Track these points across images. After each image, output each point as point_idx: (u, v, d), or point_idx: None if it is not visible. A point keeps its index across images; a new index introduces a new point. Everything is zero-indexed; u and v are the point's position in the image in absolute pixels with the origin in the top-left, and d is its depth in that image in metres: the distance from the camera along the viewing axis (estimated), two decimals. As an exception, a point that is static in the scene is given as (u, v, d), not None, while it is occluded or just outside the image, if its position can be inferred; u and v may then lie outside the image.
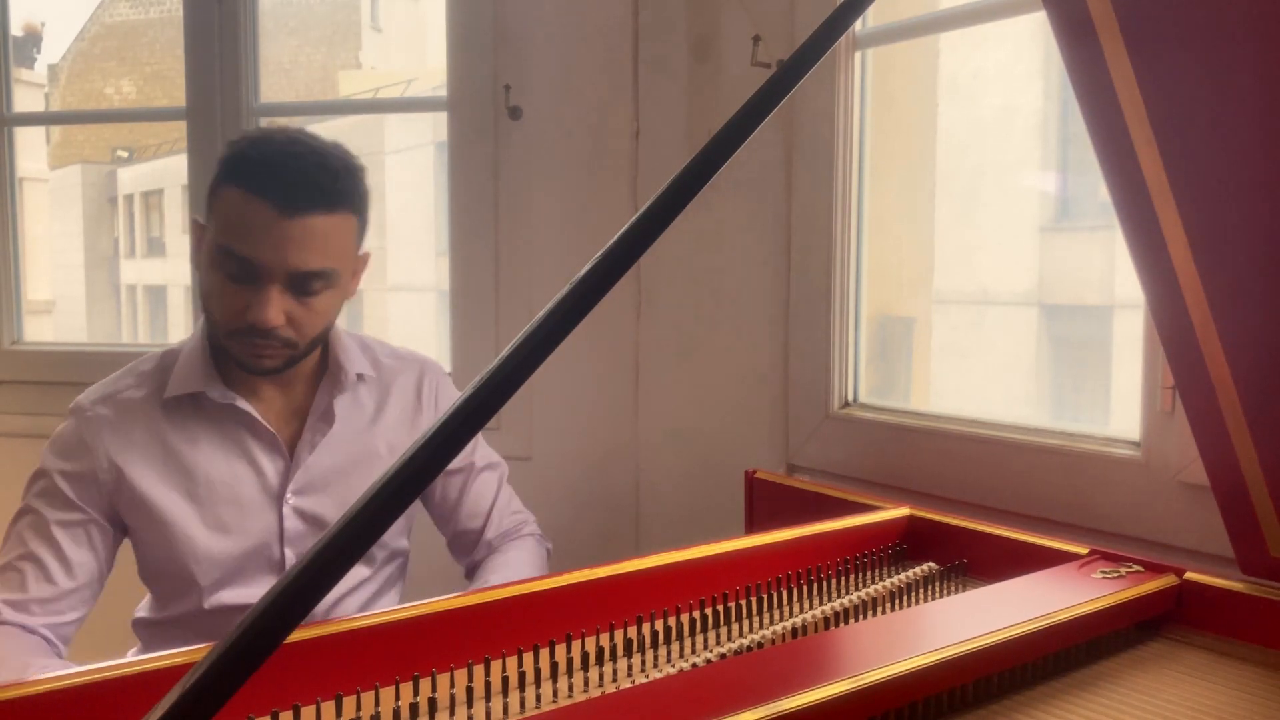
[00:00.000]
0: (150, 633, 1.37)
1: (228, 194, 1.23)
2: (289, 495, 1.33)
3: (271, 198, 1.20)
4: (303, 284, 1.24)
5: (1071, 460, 1.38)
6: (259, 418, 1.32)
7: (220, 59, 2.15)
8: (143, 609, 1.40)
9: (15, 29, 2.49)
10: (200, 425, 1.32)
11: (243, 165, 1.23)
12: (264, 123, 2.21)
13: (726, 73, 1.85)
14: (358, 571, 1.38)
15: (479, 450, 1.50)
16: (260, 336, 1.24)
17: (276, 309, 1.23)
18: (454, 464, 1.46)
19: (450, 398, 1.43)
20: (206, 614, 1.30)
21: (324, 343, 1.37)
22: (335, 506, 1.34)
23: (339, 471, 1.36)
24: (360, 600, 1.39)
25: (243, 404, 1.32)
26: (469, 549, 1.48)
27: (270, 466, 1.33)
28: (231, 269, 1.23)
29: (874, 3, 0.81)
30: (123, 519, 1.31)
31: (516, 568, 1.40)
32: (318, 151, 1.25)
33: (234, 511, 1.31)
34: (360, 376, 1.39)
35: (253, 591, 1.31)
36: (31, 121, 3.43)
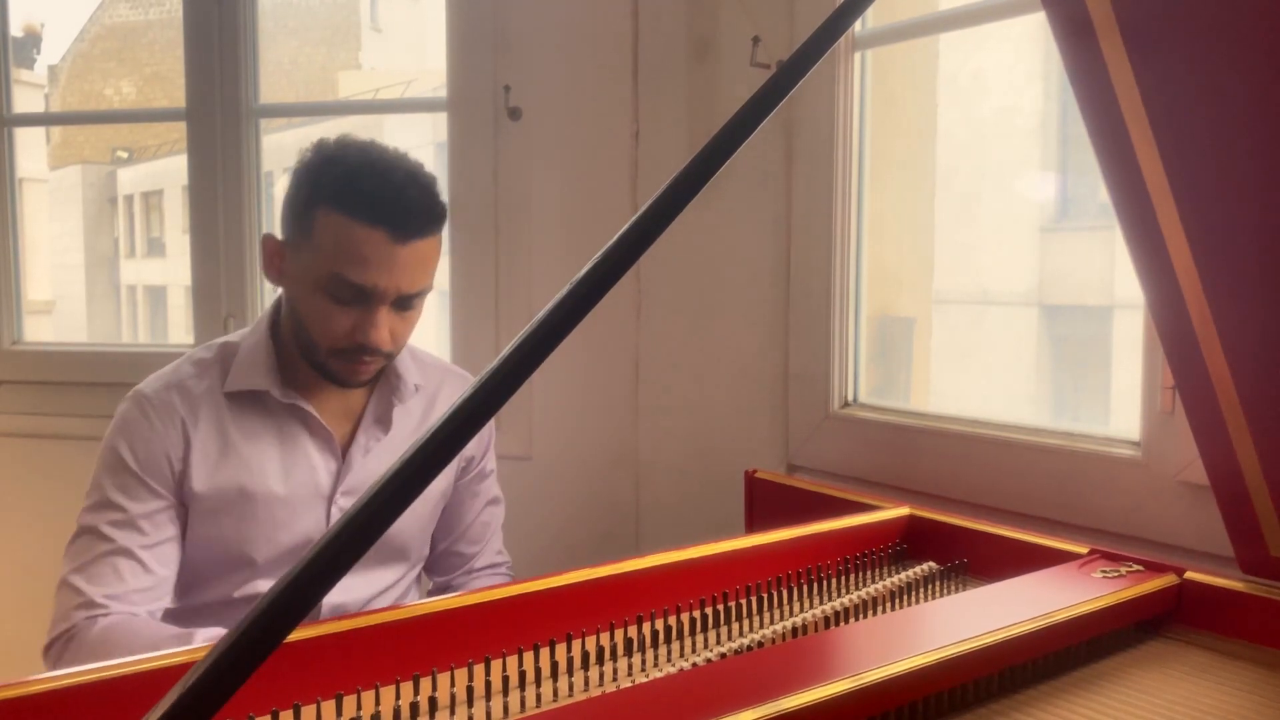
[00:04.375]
0: (175, 619, 1.37)
1: (331, 220, 1.24)
2: (339, 495, 1.36)
3: (387, 226, 1.23)
4: (406, 302, 1.29)
5: (1071, 460, 1.38)
6: (319, 418, 1.35)
7: (220, 59, 2.15)
8: None
9: (15, 29, 2.49)
10: (259, 420, 1.34)
11: (349, 191, 1.24)
12: (263, 123, 2.21)
13: (726, 73, 1.85)
14: (395, 570, 1.41)
15: (495, 486, 1.54)
16: (368, 354, 1.28)
17: (385, 329, 1.27)
18: (479, 487, 1.51)
19: None
20: (236, 603, 1.33)
21: None
22: None
23: None
24: (388, 602, 1.41)
25: (304, 404, 1.34)
26: (450, 570, 1.52)
27: (323, 466, 1.36)
28: (342, 295, 1.25)
29: (874, 3, 0.81)
30: (185, 501, 1.32)
31: None
32: (414, 173, 1.28)
33: (284, 507, 1.33)
34: (417, 387, 1.42)
35: None
36: (31, 122, 3.42)
